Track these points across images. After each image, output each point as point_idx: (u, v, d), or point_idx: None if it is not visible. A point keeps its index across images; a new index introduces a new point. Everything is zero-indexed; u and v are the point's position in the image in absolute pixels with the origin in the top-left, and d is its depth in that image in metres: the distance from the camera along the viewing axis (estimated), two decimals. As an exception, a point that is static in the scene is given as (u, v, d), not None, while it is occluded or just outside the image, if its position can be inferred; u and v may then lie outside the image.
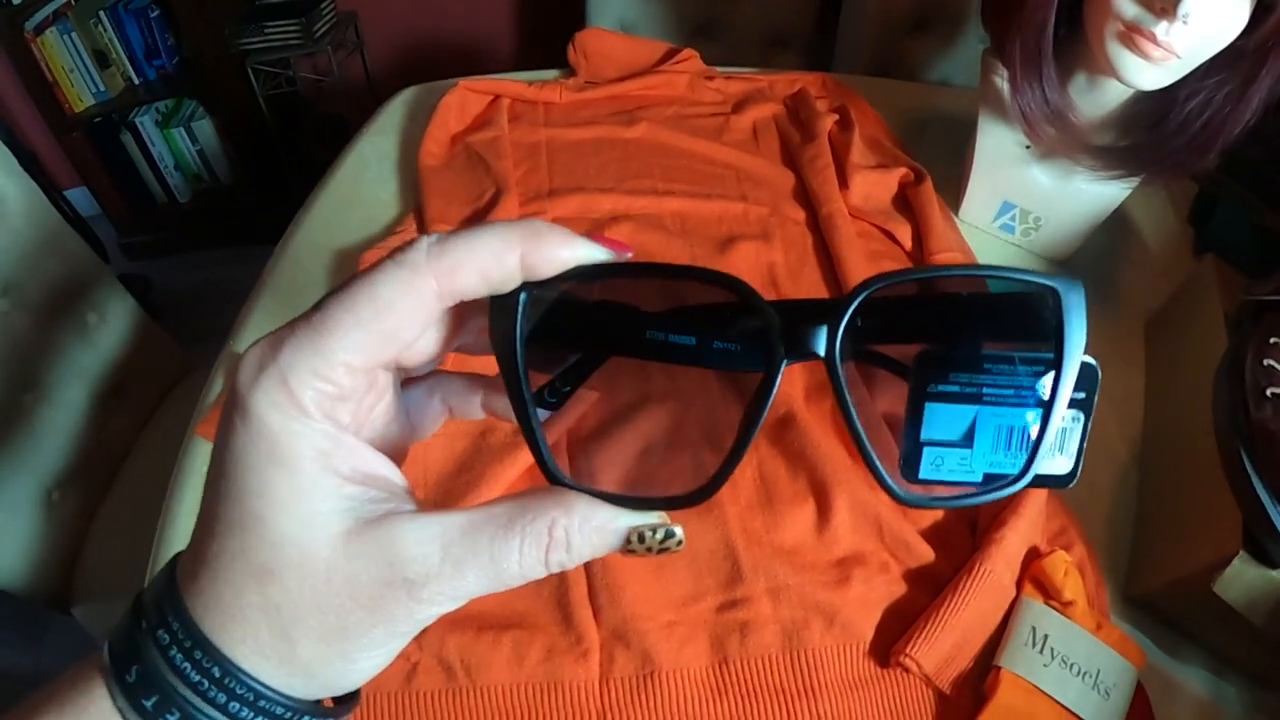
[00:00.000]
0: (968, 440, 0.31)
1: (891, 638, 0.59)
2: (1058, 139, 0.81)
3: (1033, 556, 0.62)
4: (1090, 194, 0.85)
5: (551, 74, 1.14)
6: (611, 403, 0.33)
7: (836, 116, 1.02)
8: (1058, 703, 0.56)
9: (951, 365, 0.31)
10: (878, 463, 0.28)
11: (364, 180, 0.99)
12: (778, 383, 0.28)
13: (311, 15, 2.05)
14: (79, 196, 2.37)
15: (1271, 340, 0.60)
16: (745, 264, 0.86)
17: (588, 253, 0.27)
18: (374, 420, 0.28)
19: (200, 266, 2.32)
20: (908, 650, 0.57)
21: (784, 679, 0.57)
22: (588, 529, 0.26)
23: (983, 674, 0.58)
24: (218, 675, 0.25)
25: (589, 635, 0.58)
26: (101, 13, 2.12)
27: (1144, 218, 0.97)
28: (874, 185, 0.93)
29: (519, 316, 0.27)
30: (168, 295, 2.18)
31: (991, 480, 0.31)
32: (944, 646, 0.57)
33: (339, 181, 0.99)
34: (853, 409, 0.28)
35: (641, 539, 0.27)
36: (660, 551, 0.27)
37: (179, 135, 2.30)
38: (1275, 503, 0.53)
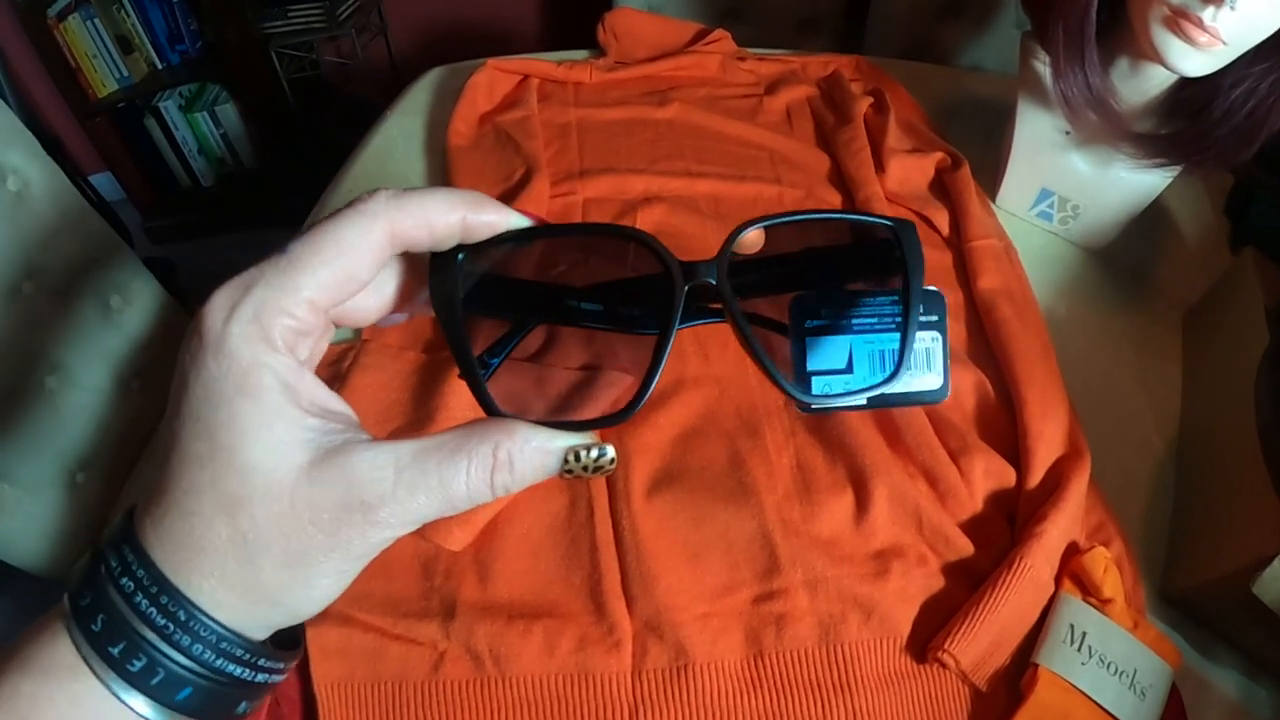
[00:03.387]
0: (849, 367, 0.37)
1: (929, 632, 0.58)
2: (1099, 125, 0.79)
3: (1072, 552, 0.61)
4: (1130, 182, 0.83)
5: (581, 54, 1.13)
6: (541, 352, 0.39)
7: (871, 100, 1.00)
8: (1095, 702, 0.54)
9: (822, 304, 0.37)
10: (777, 375, 0.33)
11: (392, 160, 0.98)
12: (679, 308, 0.31)
13: (335, -2, 2.05)
14: (103, 181, 2.37)
15: (1316, 334, 0.59)
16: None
17: (516, 220, 0.31)
18: (317, 355, 0.31)
19: (224, 249, 2.32)
20: (945, 646, 0.56)
21: (819, 673, 0.56)
22: (528, 450, 0.29)
23: (1019, 671, 0.57)
24: (183, 619, 0.26)
25: (621, 626, 0.57)
26: (125, -2, 2.12)
27: (1181, 210, 0.95)
28: (910, 170, 0.91)
29: (458, 270, 0.31)
30: (192, 278, 2.18)
31: (877, 400, 0.36)
32: (982, 643, 0.56)
33: (366, 161, 0.99)
34: (746, 329, 0.32)
35: (578, 458, 0.30)
36: (596, 470, 0.30)
37: (203, 119, 2.31)
38: (1319, 501, 0.52)
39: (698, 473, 0.65)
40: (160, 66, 2.27)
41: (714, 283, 0.32)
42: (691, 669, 0.56)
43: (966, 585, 0.60)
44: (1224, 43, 0.66)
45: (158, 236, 2.41)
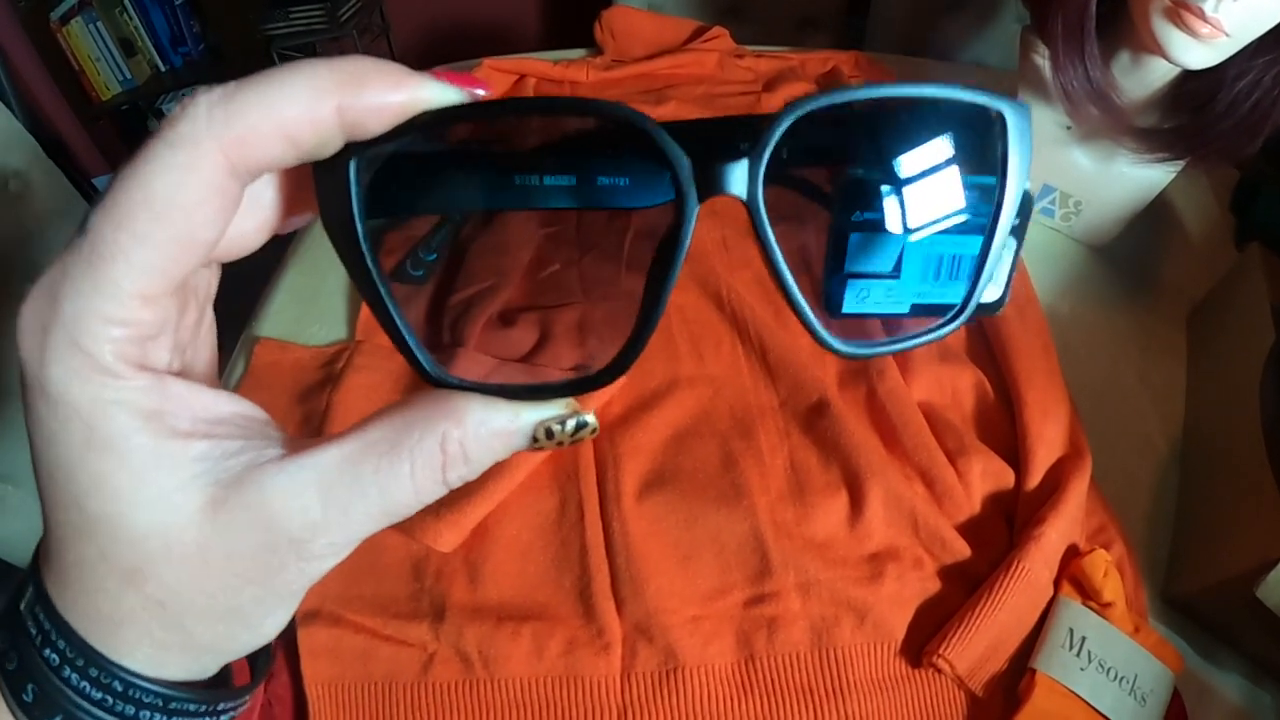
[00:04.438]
0: (895, 271, 0.31)
1: (924, 637, 0.57)
2: (1100, 120, 0.78)
3: (1071, 555, 0.60)
4: (1133, 178, 0.82)
5: (578, 53, 1.13)
6: (492, 279, 0.29)
7: (870, 96, 0.98)
8: (1093, 709, 0.54)
9: (879, 192, 0.29)
10: (813, 319, 0.25)
11: (388, 161, 0.97)
12: (689, 231, 0.23)
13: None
14: (107, 184, 2.38)
15: (1321, 331, 0.58)
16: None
17: (431, 94, 0.21)
18: (194, 340, 0.24)
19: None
20: (941, 651, 0.55)
21: (812, 678, 0.56)
22: (484, 434, 0.23)
23: (1017, 676, 0.56)
24: (119, 689, 0.22)
25: (611, 628, 0.57)
26: (127, 1, 2.13)
27: (1185, 206, 0.94)
28: (909, 166, 0.89)
29: (351, 187, 0.21)
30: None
31: (920, 311, 0.30)
32: (978, 647, 0.55)
33: (361, 164, 0.98)
34: (779, 255, 0.24)
35: (550, 434, 0.23)
36: (574, 441, 0.24)
37: (206, 122, 2.31)
38: (1326, 502, 0.51)
39: (690, 474, 0.64)
40: (163, 69, 2.28)
41: (743, 198, 0.23)
42: (681, 672, 0.55)
43: (963, 589, 0.59)
44: (1226, 34, 0.65)
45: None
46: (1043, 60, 0.80)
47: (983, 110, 0.25)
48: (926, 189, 0.28)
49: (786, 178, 0.28)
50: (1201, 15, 0.64)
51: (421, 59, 1.16)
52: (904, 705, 0.56)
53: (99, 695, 0.22)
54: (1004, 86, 0.90)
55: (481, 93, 0.22)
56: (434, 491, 0.23)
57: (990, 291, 0.31)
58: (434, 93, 0.21)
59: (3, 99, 2.05)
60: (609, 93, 1.02)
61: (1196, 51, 0.67)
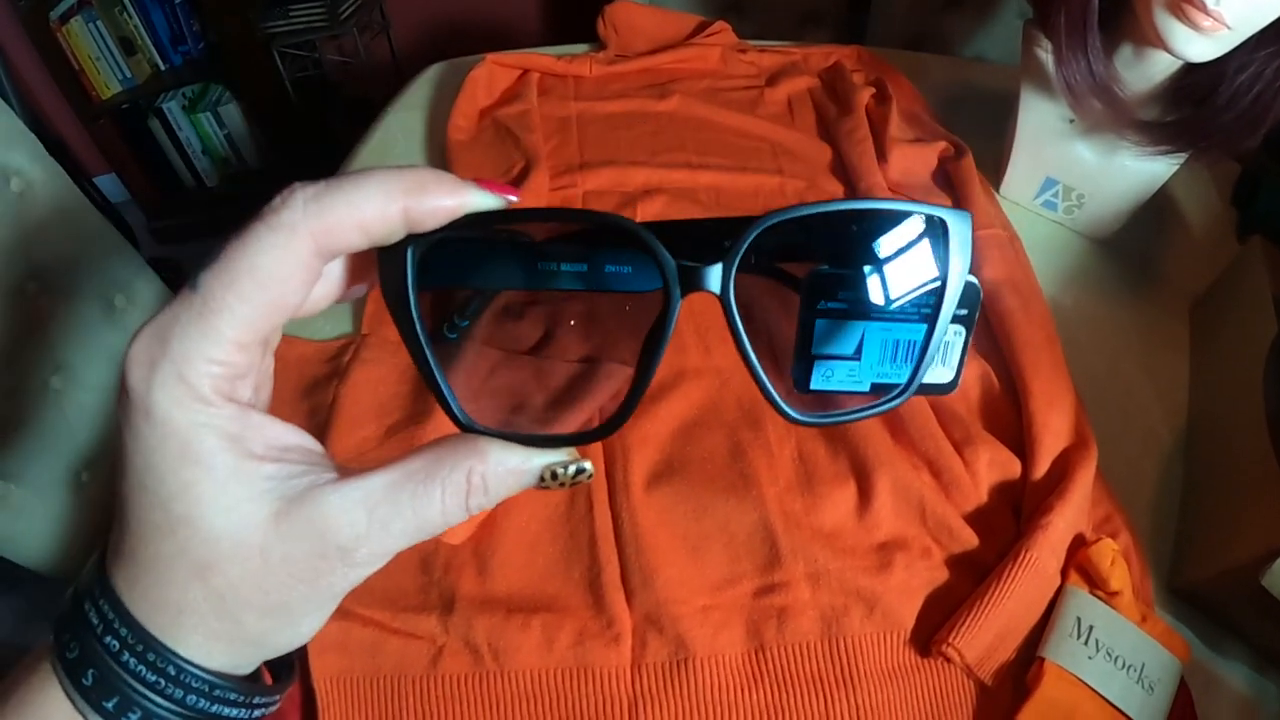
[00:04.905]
0: (857, 354, 0.35)
1: (933, 626, 0.57)
2: (1103, 113, 0.78)
3: (1078, 544, 0.60)
4: (1135, 171, 0.82)
5: (581, 48, 1.13)
6: (515, 341, 0.36)
7: (873, 90, 0.99)
8: (1101, 696, 0.54)
9: (841, 285, 0.34)
10: (773, 392, 0.30)
11: (391, 156, 0.98)
12: (673, 319, 0.29)
13: (336, -3, 2.05)
14: (108, 183, 2.39)
15: (1324, 322, 0.58)
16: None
17: (476, 200, 0.27)
18: (265, 379, 0.29)
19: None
20: (950, 640, 0.55)
21: (822, 667, 0.56)
22: (502, 472, 0.28)
23: (1025, 665, 0.56)
24: (173, 674, 0.26)
25: (621, 619, 0.57)
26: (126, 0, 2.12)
27: (1187, 199, 0.94)
28: (913, 159, 0.90)
29: (408, 271, 0.27)
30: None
31: (879, 390, 0.34)
32: (987, 636, 0.55)
33: (365, 157, 0.98)
34: (746, 341, 0.30)
35: (554, 476, 0.28)
36: (574, 484, 0.29)
37: (206, 120, 2.32)
38: (1330, 491, 0.51)
39: (698, 465, 0.64)
40: (163, 68, 2.27)
41: (716, 293, 0.29)
42: (692, 663, 0.55)
43: (971, 578, 0.59)
44: (1228, 27, 0.65)
45: (163, 237, 2.41)
46: (1045, 54, 0.81)
47: (930, 220, 0.31)
48: (882, 284, 0.34)
49: (764, 269, 0.34)
50: (1203, 8, 0.64)
51: (421, 56, 1.16)
52: (914, 694, 0.56)
53: (153, 678, 0.26)
54: (1005, 81, 0.90)
55: (514, 199, 0.28)
56: (458, 515, 0.28)
57: (941, 374, 0.38)
58: (479, 200, 0.27)
59: (3, 98, 2.05)
60: (612, 87, 1.02)
61: (1198, 44, 0.67)
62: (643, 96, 1.00)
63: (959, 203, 0.87)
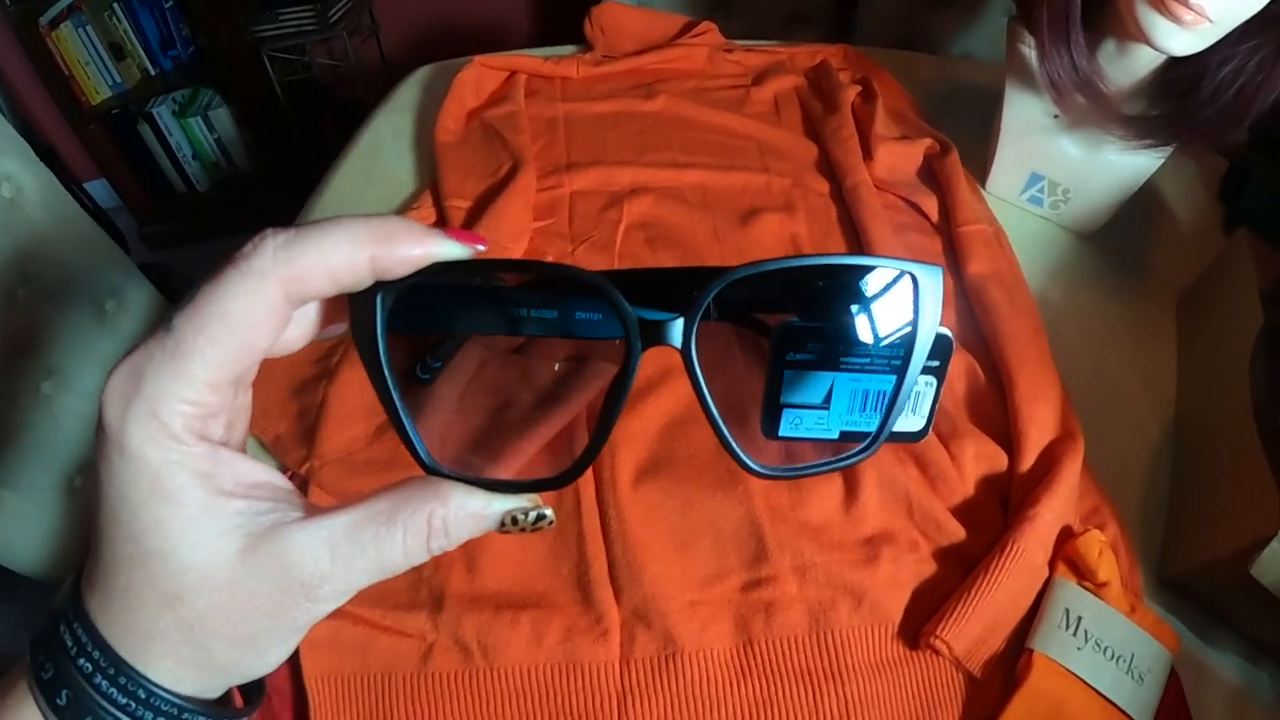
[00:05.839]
0: (825, 403, 0.35)
1: (921, 618, 0.58)
2: (1087, 108, 0.79)
3: (1066, 536, 0.60)
4: (1120, 165, 0.83)
5: (568, 49, 1.13)
6: (483, 387, 0.36)
7: (859, 88, 0.99)
8: (1091, 687, 0.54)
9: (810, 336, 0.34)
10: (734, 445, 0.31)
11: (380, 158, 0.98)
12: (634, 373, 0.29)
13: (326, 0, 2.04)
14: (98, 189, 2.39)
15: (1311, 313, 0.58)
16: (769, 236, 0.84)
17: (442, 250, 0.27)
18: (239, 416, 0.30)
19: (220, 254, 2.29)
20: (938, 632, 0.55)
21: (810, 661, 0.56)
22: (463, 516, 0.28)
23: (1014, 657, 0.56)
24: (143, 696, 0.27)
25: (609, 615, 0.57)
26: (116, 5, 2.13)
27: (1173, 193, 0.95)
28: (899, 157, 0.91)
29: (377, 317, 0.28)
30: (188, 283, 2.17)
31: (848, 437, 0.34)
32: (975, 628, 0.56)
33: (354, 160, 0.98)
34: (708, 397, 0.30)
35: (515, 521, 0.29)
36: (534, 530, 0.29)
37: (196, 125, 2.31)
38: (1317, 480, 0.51)
39: (685, 461, 0.64)
40: (153, 72, 2.27)
41: (677, 347, 0.29)
42: (680, 657, 0.55)
43: (959, 571, 0.60)
44: (1210, 20, 0.65)
45: (154, 242, 2.41)
46: (1029, 50, 0.81)
47: (900, 274, 0.31)
48: (852, 336, 0.34)
49: (735, 319, 0.35)
50: (1185, 2, 0.64)
51: (411, 59, 1.16)
52: (902, 687, 0.56)
53: (124, 700, 0.26)
54: (992, 78, 0.90)
55: (481, 248, 0.28)
56: (419, 556, 0.28)
57: (911, 422, 0.38)
58: (446, 249, 0.28)
59: (-7, 104, 2.06)
60: (599, 88, 1.03)
61: (1180, 38, 0.68)
62: (629, 97, 1.00)
63: (945, 199, 0.87)
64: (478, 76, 1.01)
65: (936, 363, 0.36)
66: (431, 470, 0.29)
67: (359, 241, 0.26)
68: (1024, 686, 0.54)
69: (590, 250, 0.82)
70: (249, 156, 2.43)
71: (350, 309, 0.28)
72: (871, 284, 0.33)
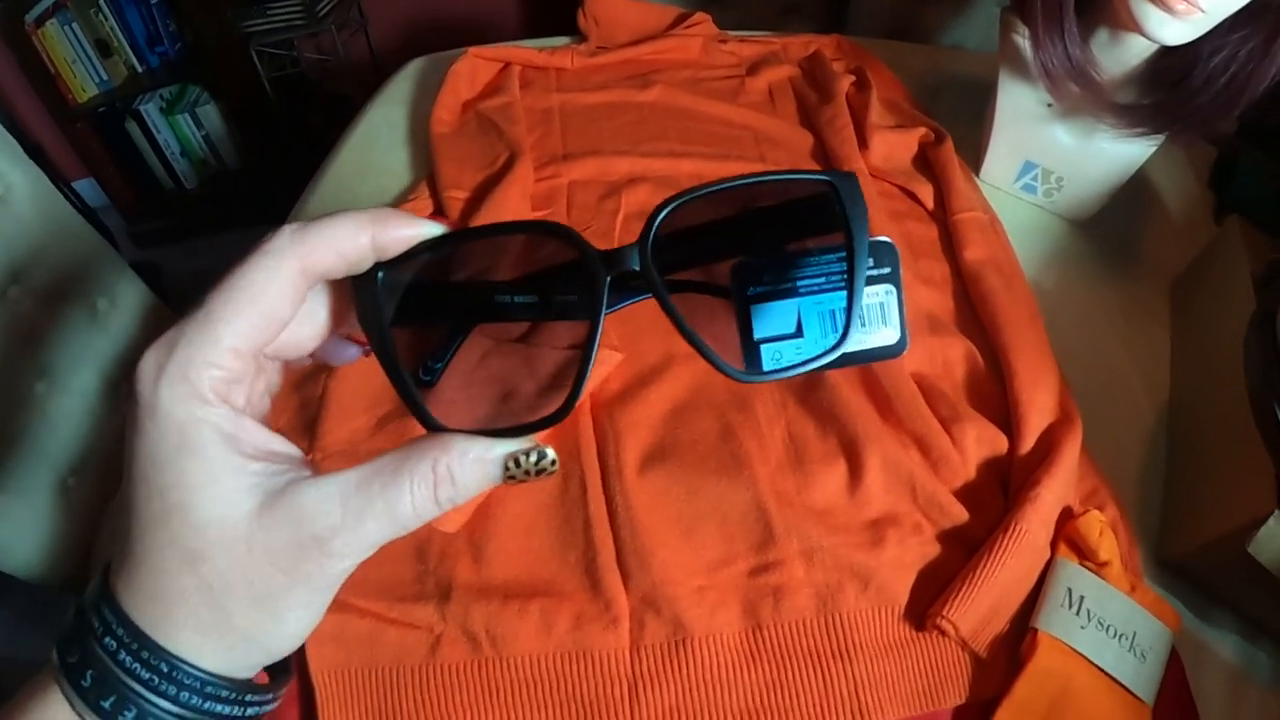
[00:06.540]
0: (798, 331, 0.36)
1: (926, 600, 0.58)
2: (1080, 97, 0.79)
3: (1066, 516, 0.61)
4: (1113, 153, 0.83)
5: (562, 41, 1.13)
6: (485, 376, 0.38)
7: (853, 78, 1.00)
8: (1095, 665, 0.55)
9: (763, 269, 0.36)
10: (710, 351, 0.32)
11: (375, 150, 0.98)
12: (603, 300, 0.31)
13: (314, -5, 2.04)
14: (86, 188, 2.36)
15: (1302, 298, 0.59)
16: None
17: (428, 229, 0.31)
18: (260, 402, 0.32)
19: (209, 251, 2.31)
20: (944, 613, 0.55)
21: (819, 643, 0.56)
22: (467, 461, 0.30)
23: (1019, 636, 0.57)
24: (165, 670, 0.28)
25: (618, 602, 0.57)
26: (102, 1, 2.10)
27: (1164, 182, 0.95)
28: (894, 145, 0.91)
29: (378, 289, 0.30)
30: (178, 281, 2.16)
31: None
32: (980, 608, 0.56)
33: (349, 152, 0.98)
34: (675, 311, 0.31)
35: (518, 463, 0.30)
36: (539, 473, 0.30)
37: (184, 121, 2.29)
38: (1311, 459, 0.52)
39: (690, 447, 0.64)
40: (140, 69, 2.24)
41: (637, 269, 0.31)
42: (690, 643, 0.56)
43: (962, 552, 0.60)
44: (1202, 10, 0.66)
45: (142, 241, 2.39)
46: (1023, 40, 0.81)
47: (819, 186, 0.33)
48: (798, 259, 0.36)
49: (696, 285, 0.37)
50: (1177, -8, 0.65)
51: (400, 53, 1.15)
52: (910, 667, 0.56)
53: (148, 675, 0.28)
54: (983, 68, 0.91)
55: (442, 229, 0.31)
56: (429, 508, 0.30)
57: (886, 335, 0.39)
58: (431, 229, 0.31)
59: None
60: (594, 78, 1.02)
61: (1173, 27, 0.68)
62: (625, 87, 1.00)
63: (940, 187, 0.88)
64: (472, 68, 1.01)
65: (887, 269, 0.38)
66: (435, 427, 0.31)
67: (360, 223, 0.30)
68: (1029, 665, 0.54)
69: (589, 239, 0.81)
70: (237, 153, 2.41)
71: (354, 288, 0.31)
72: (801, 207, 0.35)
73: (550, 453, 0.30)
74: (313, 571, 0.29)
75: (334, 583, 0.30)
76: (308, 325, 0.32)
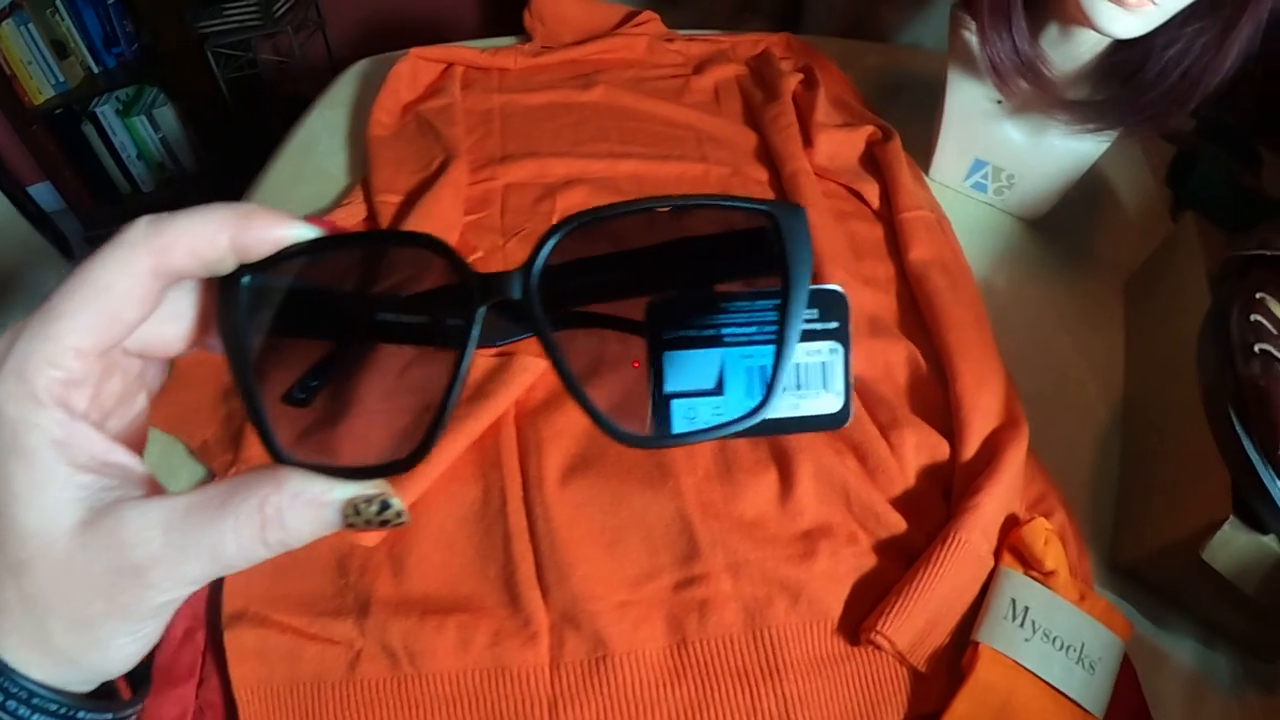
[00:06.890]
0: (718, 387, 0.30)
1: (861, 614, 0.56)
2: (1030, 93, 0.78)
3: (1011, 525, 0.59)
4: (1065, 150, 0.82)
5: (508, 41, 1.11)
6: (358, 395, 0.33)
7: (801, 76, 0.98)
8: (1040, 679, 0.53)
9: (685, 310, 0.31)
10: (593, 405, 0.28)
11: (313, 155, 0.96)
12: (474, 337, 0.27)
13: (271, -5, 2.02)
14: (42, 192, 2.33)
15: (1258, 295, 0.57)
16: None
17: (296, 231, 0.28)
18: (118, 408, 0.29)
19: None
20: (879, 627, 0.54)
21: (747, 660, 0.55)
22: (299, 504, 0.27)
23: (960, 650, 0.55)
24: None
25: (537, 618, 0.55)
26: (58, 1, 2.08)
27: (1119, 179, 0.95)
28: (840, 144, 0.90)
29: (240, 293, 0.27)
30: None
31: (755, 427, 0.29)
32: (917, 622, 0.55)
33: (288, 157, 0.96)
34: (560, 353, 0.27)
35: (357, 511, 0.27)
36: (383, 525, 0.27)
37: (141, 124, 2.27)
38: (1265, 462, 0.50)
39: (614, 457, 0.63)
40: (97, 70, 2.22)
41: (517, 298, 0.26)
42: (611, 660, 0.54)
43: (901, 563, 0.58)
44: (1154, 3, 0.65)
45: (100, 245, 2.36)
46: (972, 35, 0.81)
47: (759, 218, 0.27)
48: (726, 301, 0.30)
49: (601, 319, 0.32)
50: (1128, -15, 0.64)
51: (357, 54, 1.13)
52: (844, 684, 0.55)
53: None
54: (939, 67, 0.90)
55: (314, 232, 0.28)
56: (255, 550, 0.26)
57: (826, 401, 0.32)
58: (300, 231, 0.27)
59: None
60: (537, 79, 1.01)
61: (1124, 21, 0.67)
62: (567, 87, 0.98)
63: (886, 186, 0.86)
64: (413, 69, 0.99)
65: (834, 324, 0.32)
66: (278, 457, 0.27)
67: (220, 222, 0.27)
68: (970, 680, 0.53)
69: (522, 243, 0.80)
70: (194, 156, 2.39)
71: (218, 290, 0.28)
72: (737, 240, 0.29)
73: (396, 503, 0.27)
74: (130, 603, 0.26)
75: (158, 614, 0.27)
76: (172, 324, 0.29)
